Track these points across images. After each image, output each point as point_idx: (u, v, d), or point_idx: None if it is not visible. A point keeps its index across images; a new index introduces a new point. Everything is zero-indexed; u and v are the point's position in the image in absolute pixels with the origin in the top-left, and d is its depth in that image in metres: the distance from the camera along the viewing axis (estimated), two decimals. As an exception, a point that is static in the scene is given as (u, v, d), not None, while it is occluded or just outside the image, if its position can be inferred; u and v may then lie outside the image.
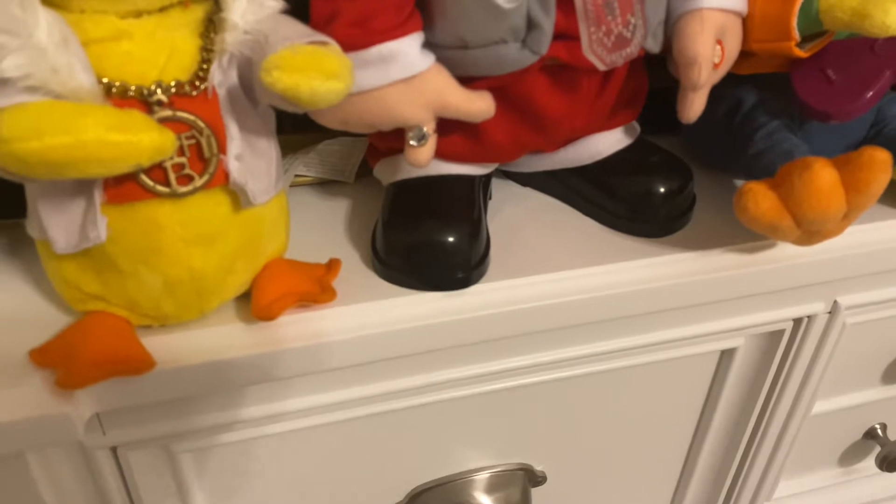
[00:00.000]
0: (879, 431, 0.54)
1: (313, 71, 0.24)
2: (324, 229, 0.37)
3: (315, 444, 0.39)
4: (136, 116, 0.23)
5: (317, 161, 0.38)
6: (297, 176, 0.38)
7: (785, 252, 0.37)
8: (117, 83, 0.24)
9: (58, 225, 0.26)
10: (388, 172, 0.35)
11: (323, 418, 0.37)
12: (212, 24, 0.26)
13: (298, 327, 0.31)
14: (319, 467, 0.40)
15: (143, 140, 0.22)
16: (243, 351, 0.30)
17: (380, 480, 0.43)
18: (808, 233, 0.31)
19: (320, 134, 0.39)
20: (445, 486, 0.45)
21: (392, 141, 0.34)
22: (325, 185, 0.39)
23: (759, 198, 0.30)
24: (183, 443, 0.36)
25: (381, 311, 0.32)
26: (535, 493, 0.47)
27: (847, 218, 0.31)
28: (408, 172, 0.34)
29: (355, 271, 0.34)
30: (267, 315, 0.29)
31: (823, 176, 0.29)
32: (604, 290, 0.34)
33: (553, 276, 0.34)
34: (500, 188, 0.40)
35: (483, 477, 0.46)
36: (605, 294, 0.34)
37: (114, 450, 0.34)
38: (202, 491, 0.39)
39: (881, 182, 0.29)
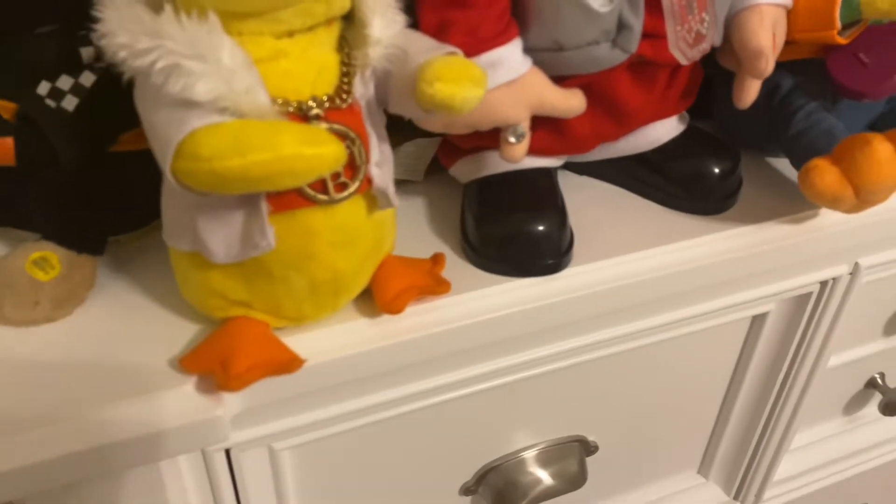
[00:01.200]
0: (879, 380, 0.60)
1: (465, 80, 0.26)
2: (408, 226, 0.39)
3: (400, 432, 0.41)
4: (319, 131, 0.24)
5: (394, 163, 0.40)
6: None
7: (823, 221, 0.41)
8: (279, 100, 0.26)
9: (218, 236, 0.27)
10: (469, 170, 0.38)
11: (410, 406, 0.40)
12: (345, 41, 0.28)
13: (418, 319, 0.33)
14: (402, 456, 0.43)
15: (327, 152, 0.24)
16: (374, 344, 0.32)
17: (452, 463, 0.46)
18: (863, 202, 0.35)
19: (398, 137, 0.41)
20: (508, 463, 0.48)
21: (479, 140, 0.36)
22: (397, 184, 0.42)
23: (825, 173, 0.34)
24: (285, 441, 0.38)
25: (488, 297, 0.35)
26: (589, 462, 0.51)
27: (893, 188, 0.35)
28: (492, 168, 0.37)
29: (451, 263, 0.36)
30: (394, 308, 0.32)
31: (883, 149, 0.33)
32: (675, 266, 0.37)
33: (631, 257, 0.37)
34: (562, 177, 0.43)
35: (541, 452, 0.49)
36: (677, 270, 0.38)
37: (227, 452, 0.36)
38: (298, 487, 0.41)
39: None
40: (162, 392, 0.30)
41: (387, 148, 0.30)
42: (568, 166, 0.43)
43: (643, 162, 0.40)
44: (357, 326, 0.33)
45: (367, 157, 0.28)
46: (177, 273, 0.31)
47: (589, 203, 0.41)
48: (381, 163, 0.29)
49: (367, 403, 0.37)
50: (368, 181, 0.29)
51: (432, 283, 0.33)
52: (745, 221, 0.40)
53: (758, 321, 0.49)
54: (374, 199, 0.30)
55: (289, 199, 0.27)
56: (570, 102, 0.33)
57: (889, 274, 0.50)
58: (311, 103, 0.26)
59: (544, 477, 0.49)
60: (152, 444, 0.30)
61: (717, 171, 0.39)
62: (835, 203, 0.35)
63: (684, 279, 0.38)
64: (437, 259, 0.35)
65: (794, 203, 0.42)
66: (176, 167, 0.24)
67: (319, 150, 0.24)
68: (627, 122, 0.37)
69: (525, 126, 0.33)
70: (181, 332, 0.33)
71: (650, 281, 0.36)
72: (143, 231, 0.36)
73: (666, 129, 0.40)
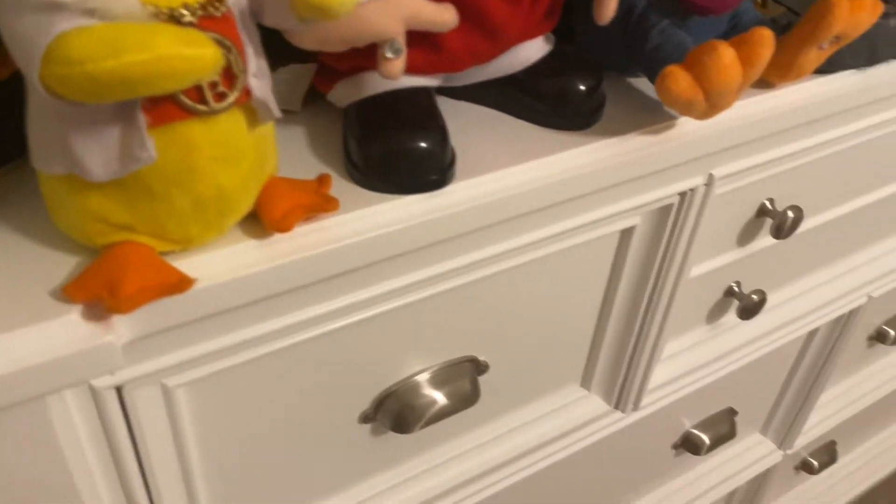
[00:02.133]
0: (736, 288, 0.65)
1: (338, -18, 0.26)
2: (290, 155, 0.39)
3: (294, 363, 0.42)
4: (196, 33, 0.24)
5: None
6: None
7: (679, 131, 0.44)
8: (150, 6, 0.25)
9: (95, 152, 0.26)
10: (348, 92, 0.38)
11: (303, 334, 0.40)
12: (217, -51, 0.28)
13: (306, 239, 0.33)
14: (299, 387, 0.43)
15: (207, 54, 0.23)
16: (264, 265, 0.32)
17: (349, 392, 0.46)
18: (713, 106, 0.38)
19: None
20: (404, 387, 0.49)
21: (356, 60, 0.36)
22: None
23: (679, 78, 0.36)
24: (178, 376, 0.37)
25: (375, 215, 0.35)
26: (481, 380, 0.53)
27: (738, 91, 0.38)
28: (371, 89, 0.37)
29: (336, 185, 0.37)
30: (283, 227, 0.32)
31: (728, 54, 0.35)
32: (552, 177, 0.39)
33: (509, 171, 0.39)
34: (439, 103, 0.44)
35: (434, 374, 0.50)
36: (553, 181, 0.39)
37: (119, 391, 0.35)
38: (196, 426, 0.40)
39: (767, 56, 0.36)
40: (45, 322, 0.28)
41: (264, 63, 0.30)
42: (444, 91, 0.44)
43: (514, 83, 0.42)
44: (246, 248, 0.32)
45: (245, 66, 0.28)
46: (50, 201, 0.29)
47: (466, 125, 0.42)
48: (259, 75, 0.29)
49: (259, 332, 0.37)
50: (247, 92, 0.28)
51: (320, 202, 0.33)
52: (611, 135, 0.43)
53: (626, 235, 0.52)
54: (254, 113, 0.29)
55: (166, 110, 0.26)
56: (444, 16, 0.34)
57: (738, 185, 0.55)
58: (183, 10, 0.26)
59: (439, 397, 0.50)
60: (37, 375, 0.29)
61: (582, 87, 0.41)
62: (688, 107, 0.38)
63: (560, 189, 0.40)
64: (323, 179, 0.35)
65: (653, 117, 0.45)
66: (46, 73, 0.23)
67: (199, 51, 0.23)
68: (496, 38, 0.38)
69: (401, 41, 0.33)
70: (59, 267, 0.31)
71: (529, 192, 0.38)
72: (7, 169, 0.35)
73: (534, 50, 0.41)
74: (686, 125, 0.44)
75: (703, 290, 0.63)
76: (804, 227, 0.66)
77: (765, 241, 0.64)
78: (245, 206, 0.32)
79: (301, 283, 0.34)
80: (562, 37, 0.47)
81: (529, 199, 0.39)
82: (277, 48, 0.33)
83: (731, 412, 0.82)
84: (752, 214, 0.60)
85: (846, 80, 0.49)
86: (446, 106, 0.44)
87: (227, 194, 0.29)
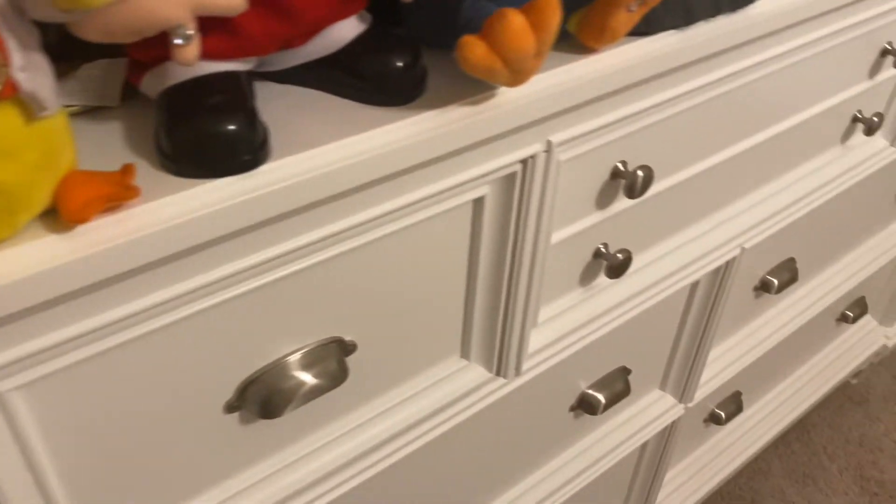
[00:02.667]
0: (603, 249, 0.67)
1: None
2: (103, 152, 0.39)
3: (142, 357, 0.41)
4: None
5: (79, 88, 0.39)
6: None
7: (503, 98, 0.46)
8: None
9: None
10: (156, 83, 0.38)
11: (148, 325, 0.40)
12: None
13: (111, 229, 0.33)
14: (151, 383, 0.43)
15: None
16: (67, 258, 0.32)
17: (208, 383, 0.46)
18: (514, 72, 0.39)
19: (77, 62, 0.40)
20: (268, 373, 0.50)
21: (157, 51, 0.37)
22: (91, 112, 0.41)
23: (474, 47, 0.38)
24: (10, 379, 0.37)
25: (187, 200, 0.35)
26: (351, 360, 0.54)
27: (539, 55, 0.40)
28: (177, 77, 0.37)
29: (148, 176, 0.37)
30: (81, 217, 0.32)
31: (517, 20, 0.37)
32: (373, 150, 0.40)
33: (329, 147, 0.40)
34: (262, 88, 0.44)
35: (299, 357, 0.51)
36: (375, 154, 0.40)
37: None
38: (44, 433, 0.40)
39: (555, 20, 0.38)
40: None
41: (38, 56, 0.30)
42: (269, 76, 0.45)
43: (334, 64, 0.43)
44: (47, 243, 0.32)
45: (8, 60, 0.28)
46: None
47: (290, 106, 0.42)
48: (30, 68, 0.29)
49: (89, 327, 0.37)
50: (13, 86, 0.28)
51: (120, 191, 0.33)
52: (432, 107, 0.44)
53: (478, 205, 0.53)
54: (28, 106, 0.29)
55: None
56: (231, 1, 0.34)
57: (585, 150, 0.57)
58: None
59: (308, 379, 0.51)
60: None
61: (400, 64, 0.42)
62: (491, 75, 0.39)
63: (380, 163, 0.40)
64: (126, 168, 0.35)
65: (477, 89, 0.46)
66: None
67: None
68: (294, 20, 0.38)
69: (190, 27, 0.34)
70: None
71: (347, 167, 0.39)
72: None
73: (347, 30, 0.42)
74: (506, 94, 0.45)
75: (572, 253, 0.65)
76: (667, 183, 0.68)
77: (625, 202, 0.66)
78: (38, 202, 0.32)
79: (113, 273, 0.34)
80: (391, 19, 0.48)
81: (348, 174, 0.39)
82: (89, 44, 0.33)
83: (625, 370, 0.84)
84: (606, 177, 0.62)
85: (666, 41, 0.51)
86: (272, 90, 0.44)
87: (8, 189, 0.29)
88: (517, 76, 0.40)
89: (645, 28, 0.50)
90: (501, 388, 0.65)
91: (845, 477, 1.38)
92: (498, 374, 0.65)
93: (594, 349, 0.77)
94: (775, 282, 0.96)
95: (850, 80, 0.82)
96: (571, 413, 0.82)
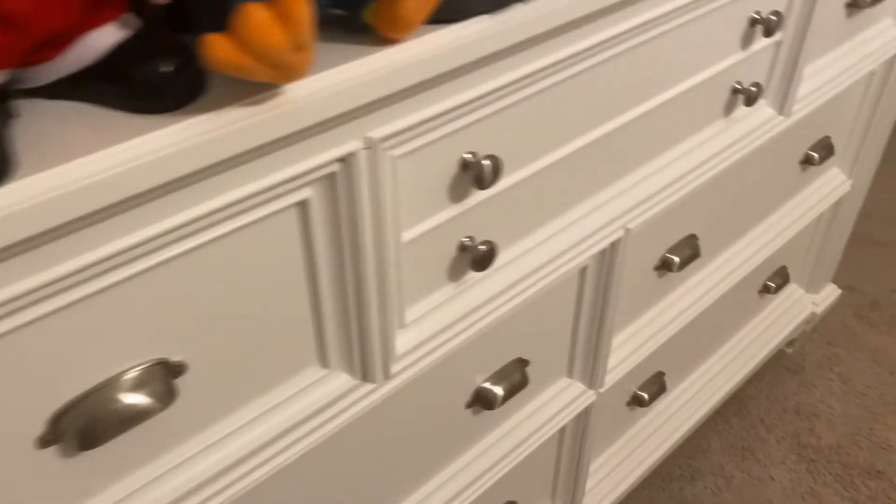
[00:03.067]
0: (469, 242, 0.65)
1: None
2: None
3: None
4: None
5: None
6: None
7: (287, 97, 0.43)
8: None
9: None
10: None
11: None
12: None
13: None
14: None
15: None
16: None
17: (12, 417, 0.44)
18: (274, 68, 0.37)
19: None
20: (87, 399, 0.47)
21: None
22: None
23: (215, 45, 0.35)
24: None
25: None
26: (183, 382, 0.51)
27: (301, 48, 0.38)
28: None
29: None
30: None
31: (255, 13, 0.35)
32: (131, 161, 0.38)
33: (93, 157, 0.37)
34: (30, 105, 0.41)
35: (125, 379, 0.48)
36: (134, 165, 0.38)
37: None
38: None
39: (302, 10, 0.36)
40: None
41: None
42: (37, 93, 0.42)
43: (98, 73, 0.40)
44: None
45: None
46: None
47: (58, 122, 0.40)
48: None
49: None
50: None
51: None
52: (212, 109, 0.41)
53: (302, 208, 0.51)
54: None
55: None
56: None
57: (421, 144, 0.54)
58: None
59: (132, 400, 0.48)
60: None
61: (168, 69, 0.40)
62: (246, 72, 0.37)
63: (148, 172, 0.38)
64: None
65: (263, 88, 0.44)
66: None
67: None
68: (21, 30, 0.36)
69: None
70: None
71: (115, 176, 0.37)
72: None
73: (104, 38, 0.39)
74: (291, 93, 0.43)
75: (434, 249, 0.63)
76: (531, 170, 0.66)
77: (487, 193, 0.64)
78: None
79: None
80: (182, 26, 0.45)
81: (102, 188, 0.37)
82: None
83: (522, 362, 0.82)
84: (456, 170, 0.60)
85: (475, 27, 0.49)
86: (39, 106, 0.42)
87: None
88: (281, 73, 0.38)
89: (451, 15, 0.48)
90: (371, 393, 0.63)
91: (783, 446, 1.37)
92: (365, 379, 0.62)
93: (485, 342, 0.75)
94: (676, 259, 0.95)
95: (721, 52, 0.81)
96: (469, 409, 0.80)
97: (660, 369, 1.13)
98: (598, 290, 0.84)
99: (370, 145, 0.50)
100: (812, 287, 1.43)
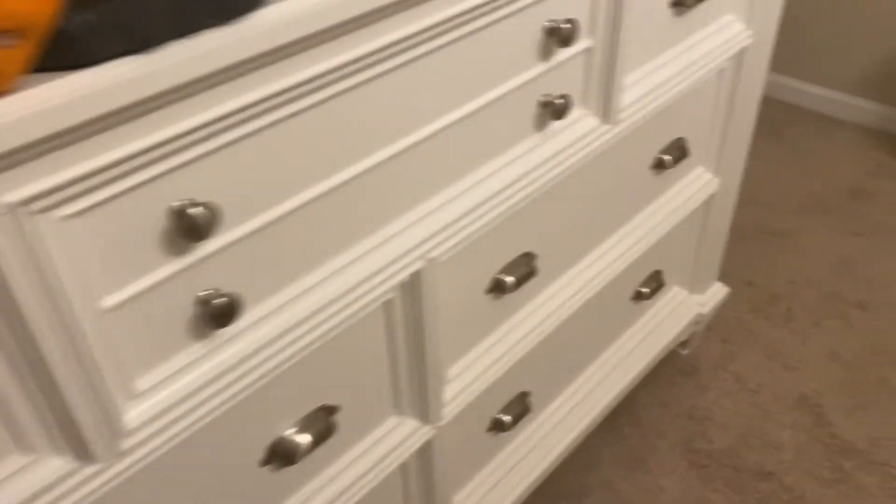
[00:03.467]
0: (208, 297, 0.59)
1: None
2: None
3: None
4: None
5: None
6: None
7: None
8: None
9: None
10: None
11: None
12: None
13: None
14: None
15: None
16: None
17: None
18: None
19: None
20: None
21: None
22: None
23: None
24: None
25: None
26: None
27: None
28: None
29: None
30: None
31: None
32: None
33: None
34: None
35: None
36: None
37: None
38: None
39: None
40: None
41: None
42: None
43: None
44: None
45: None
46: None
47: None
48: None
49: None
50: None
51: None
52: None
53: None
54: None
55: None
56: None
57: (101, 198, 0.47)
58: None
59: None
60: None
61: None
62: None
63: None
64: None
65: None
66: None
67: None
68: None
69: None
70: None
71: None
72: None
73: None
74: None
75: (160, 309, 0.56)
76: (280, 211, 0.60)
77: (217, 240, 0.57)
78: None
79: None
80: None
81: None
82: None
83: (328, 409, 0.76)
84: (166, 222, 0.53)
85: (115, 71, 0.43)
86: None
87: None
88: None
89: (75, 60, 0.42)
90: (96, 475, 0.56)
91: (675, 454, 1.33)
92: (88, 460, 0.56)
93: (275, 393, 0.69)
94: (509, 280, 0.90)
95: (518, 66, 0.75)
96: (267, 467, 0.74)
97: (523, 390, 1.08)
98: (409, 324, 0.78)
99: (11, 210, 0.44)
100: (696, 288, 1.39)
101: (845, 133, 2.11)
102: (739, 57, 1.09)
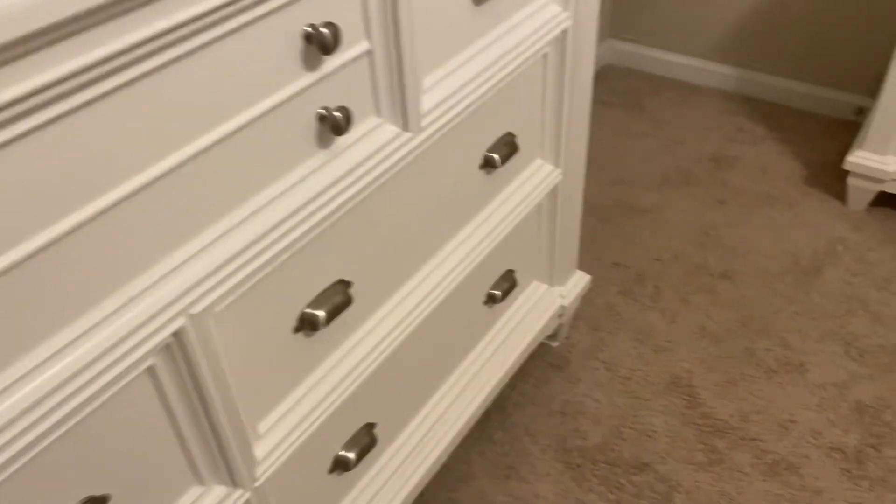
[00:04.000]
0: None
1: None
2: None
3: None
4: None
5: None
6: None
7: None
8: None
9: None
10: None
11: None
12: None
13: None
14: None
15: None
16: None
17: None
18: None
19: None
20: None
21: None
22: None
23: None
24: None
25: None
26: None
27: None
28: None
29: None
30: None
31: None
32: None
33: None
34: None
35: None
36: None
37: None
38: None
39: None
40: None
41: None
42: None
43: None
44: None
45: None
46: None
47: None
48: None
49: None
50: None
51: None
52: None
53: None
54: None
55: None
56: None
57: None
58: None
59: None
60: None
61: None
62: None
63: None
64: None
65: None
66: None
67: None
68: None
69: None
70: None
71: None
72: None
73: None
74: None
75: None
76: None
77: None
78: None
79: None
80: None
81: None
82: None
83: (94, 501, 0.65)
84: None
85: None
86: None
87: None
88: None
89: None
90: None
91: (548, 456, 1.27)
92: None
93: (27, 486, 0.57)
94: (320, 315, 0.80)
95: (278, 79, 0.65)
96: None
97: (367, 421, 0.99)
98: (186, 387, 0.67)
99: None
100: (556, 280, 1.32)
101: (706, 99, 2.11)
102: (562, 40, 1.02)
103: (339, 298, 0.82)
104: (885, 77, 1.51)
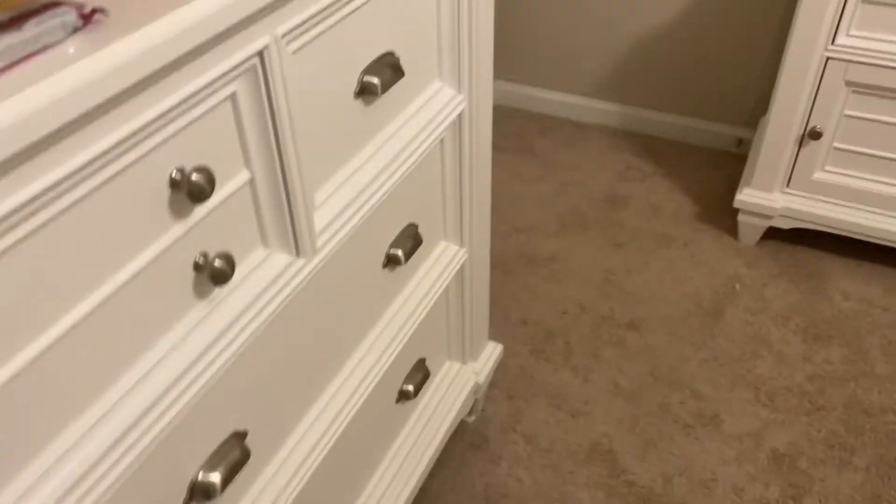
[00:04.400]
0: None
1: None
2: None
3: None
4: None
5: None
6: None
7: None
8: None
9: None
10: None
11: None
12: None
13: None
14: None
15: None
16: None
17: None
18: None
19: None
20: None
21: None
22: None
23: None
24: None
25: None
26: None
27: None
28: None
29: None
30: None
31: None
32: None
33: None
34: None
35: None
36: None
37: None
38: None
39: None
40: None
41: None
42: None
43: None
44: None
45: None
46: None
47: None
48: None
49: None
50: None
51: None
52: None
53: None
54: None
55: None
56: None
57: None
58: None
59: None
60: None
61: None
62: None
63: None
64: None
65: None
66: None
67: None
68: None
69: None
70: None
71: None
72: None
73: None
74: None
75: None
76: None
77: None
78: None
79: None
80: None
81: None
82: None
83: None
84: None
85: None
86: None
87: None
88: None
89: None
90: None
91: (475, 548, 1.19)
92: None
93: None
94: (215, 480, 0.68)
95: (146, 234, 0.54)
96: None
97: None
98: None
99: None
100: (469, 356, 1.25)
101: (593, 137, 2.10)
102: (457, 122, 0.95)
103: (236, 453, 0.70)
104: (766, 117, 1.54)
